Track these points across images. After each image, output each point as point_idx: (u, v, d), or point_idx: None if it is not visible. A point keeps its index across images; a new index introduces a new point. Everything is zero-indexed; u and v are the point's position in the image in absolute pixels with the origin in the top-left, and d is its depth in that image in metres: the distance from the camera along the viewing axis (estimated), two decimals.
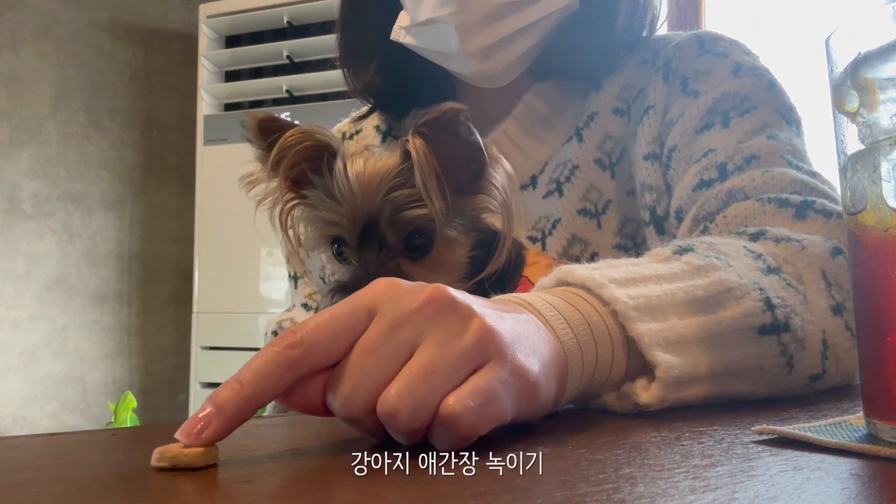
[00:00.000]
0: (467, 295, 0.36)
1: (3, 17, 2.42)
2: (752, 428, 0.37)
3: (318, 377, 0.34)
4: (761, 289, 0.48)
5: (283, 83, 2.33)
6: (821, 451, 0.33)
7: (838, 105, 0.36)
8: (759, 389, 0.48)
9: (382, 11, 0.81)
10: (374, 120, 0.90)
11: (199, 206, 2.40)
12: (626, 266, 0.47)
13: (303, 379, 0.34)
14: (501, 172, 0.57)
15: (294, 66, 2.35)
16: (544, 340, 0.39)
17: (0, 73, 2.41)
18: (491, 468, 0.32)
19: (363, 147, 0.60)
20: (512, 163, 0.80)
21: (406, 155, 0.55)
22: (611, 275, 0.45)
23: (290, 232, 0.60)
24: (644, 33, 0.81)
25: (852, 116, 0.35)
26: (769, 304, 0.47)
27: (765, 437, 0.36)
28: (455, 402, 0.32)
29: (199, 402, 2.66)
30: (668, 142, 0.74)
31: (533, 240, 0.79)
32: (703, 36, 0.79)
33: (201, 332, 2.38)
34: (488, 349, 0.34)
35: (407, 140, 0.54)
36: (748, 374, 0.47)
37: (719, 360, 0.45)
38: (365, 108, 0.89)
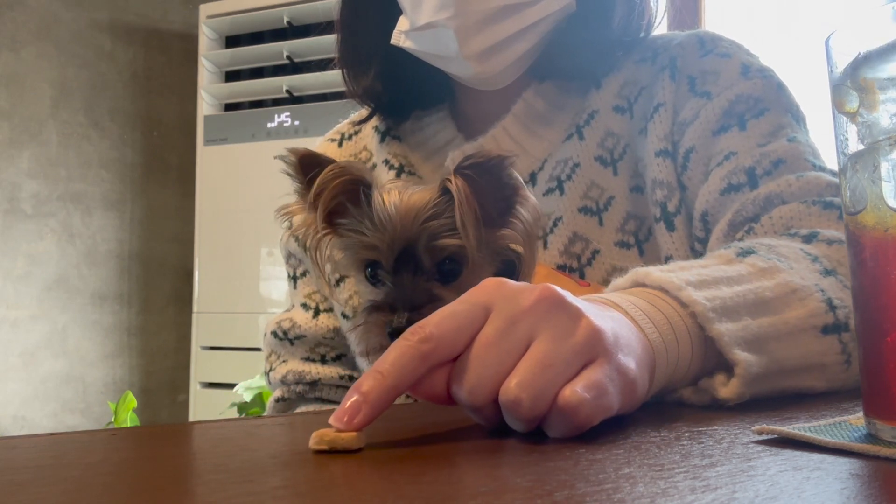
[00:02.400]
0: (571, 295, 0.40)
1: (3, 17, 2.42)
2: (752, 428, 0.37)
3: (442, 369, 0.38)
4: (822, 290, 0.51)
5: (283, 83, 2.34)
6: (821, 451, 0.33)
7: (838, 105, 0.36)
8: (818, 384, 0.50)
9: (381, 15, 0.81)
10: (373, 121, 0.91)
11: (199, 206, 2.40)
12: (696, 269, 0.50)
13: (430, 370, 0.37)
14: (529, 208, 0.60)
15: (294, 66, 2.35)
16: (637, 339, 0.42)
17: (0, 73, 2.41)
18: (491, 468, 0.32)
19: (392, 179, 0.62)
20: None
21: (444, 190, 0.58)
22: (686, 277, 0.48)
23: (320, 259, 0.64)
24: (641, 34, 0.81)
25: (852, 116, 0.35)
26: (831, 305, 0.50)
27: (765, 437, 0.36)
28: (571, 393, 0.36)
29: (199, 402, 2.67)
30: (685, 143, 0.75)
31: None
32: (703, 35, 0.80)
33: (201, 332, 2.38)
34: (596, 347, 0.38)
35: (448, 179, 0.57)
36: (812, 370, 0.50)
37: (788, 358, 0.48)
38: (365, 112, 0.89)
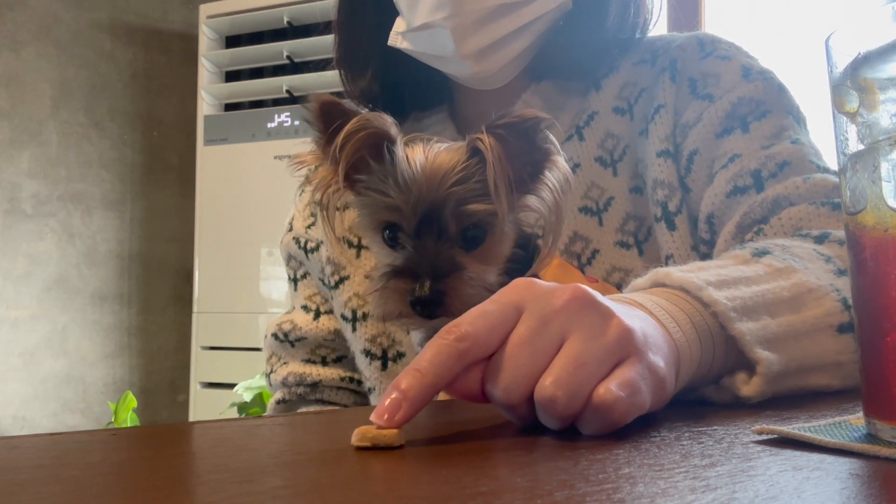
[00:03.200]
0: (600, 294, 0.41)
1: (3, 17, 2.42)
2: (752, 428, 0.37)
3: (476, 367, 0.38)
4: (837, 290, 0.52)
5: (283, 83, 2.33)
6: (821, 451, 0.33)
7: (838, 105, 0.36)
8: (835, 382, 0.51)
9: (378, 16, 0.81)
10: None
11: (199, 206, 2.40)
12: (715, 269, 0.51)
13: (465, 369, 0.38)
14: (559, 174, 0.58)
15: (294, 66, 2.35)
16: (664, 339, 0.43)
17: (0, 73, 2.41)
18: (491, 468, 0.32)
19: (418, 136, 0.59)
20: None
21: (472, 151, 0.56)
22: (706, 278, 0.49)
23: (330, 217, 0.61)
24: (637, 34, 0.82)
25: (852, 116, 0.35)
26: (846, 304, 0.51)
27: (764, 437, 0.36)
28: (606, 391, 0.37)
29: (199, 402, 2.67)
30: (688, 145, 0.75)
31: (534, 236, 0.79)
32: (702, 37, 0.81)
33: (201, 332, 2.38)
34: (628, 346, 0.39)
35: (477, 138, 0.55)
36: (828, 368, 0.50)
37: (806, 356, 0.49)
38: None
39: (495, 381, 0.38)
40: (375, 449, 0.35)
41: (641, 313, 0.43)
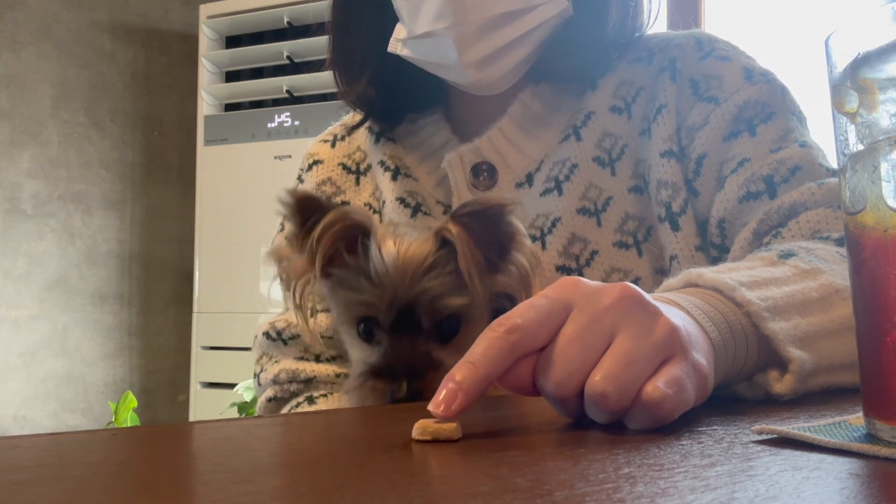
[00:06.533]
0: (646, 293, 0.42)
1: (3, 17, 2.42)
2: (752, 428, 0.37)
3: (527, 361, 0.39)
4: None
5: (283, 83, 2.33)
6: (820, 451, 0.33)
7: (838, 105, 0.36)
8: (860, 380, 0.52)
9: (375, 19, 0.81)
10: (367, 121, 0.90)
11: (199, 206, 2.40)
12: (745, 270, 0.52)
13: (516, 362, 0.39)
14: (526, 253, 0.60)
15: (294, 66, 2.35)
16: (703, 337, 0.44)
17: (1, 73, 2.41)
18: (491, 468, 0.32)
19: (392, 225, 0.61)
20: (509, 161, 0.81)
21: (441, 241, 0.57)
22: (738, 278, 0.50)
23: (302, 303, 0.63)
24: (636, 35, 0.82)
25: (852, 116, 0.35)
26: None
27: (764, 436, 0.36)
28: (654, 388, 0.38)
29: (199, 402, 2.66)
30: (696, 148, 0.75)
31: (532, 238, 0.79)
32: (699, 36, 0.81)
33: (201, 332, 2.38)
34: (674, 345, 0.40)
35: (444, 228, 0.56)
36: (855, 366, 0.53)
37: (835, 354, 0.50)
38: (358, 117, 0.89)
39: (547, 376, 0.39)
40: (435, 442, 0.36)
41: (681, 312, 0.44)
